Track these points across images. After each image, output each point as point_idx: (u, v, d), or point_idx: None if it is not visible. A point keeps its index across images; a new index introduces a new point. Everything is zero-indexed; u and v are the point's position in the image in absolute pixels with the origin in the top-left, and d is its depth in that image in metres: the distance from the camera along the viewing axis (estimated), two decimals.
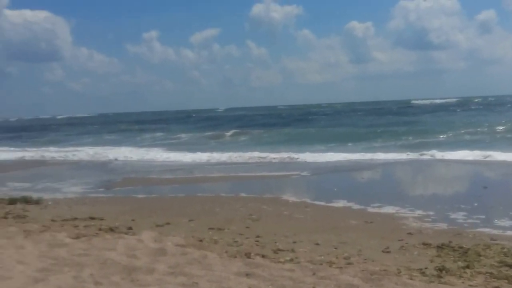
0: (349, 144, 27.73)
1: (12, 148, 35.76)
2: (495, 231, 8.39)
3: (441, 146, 24.00)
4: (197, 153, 26.52)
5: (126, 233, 8.39)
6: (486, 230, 8.50)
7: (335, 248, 7.43)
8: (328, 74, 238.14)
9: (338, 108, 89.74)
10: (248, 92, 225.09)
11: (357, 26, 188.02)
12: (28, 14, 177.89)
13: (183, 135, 40.88)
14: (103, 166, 22.37)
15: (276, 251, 7.25)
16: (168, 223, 9.44)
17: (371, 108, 78.32)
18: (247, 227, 9.08)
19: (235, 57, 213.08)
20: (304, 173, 17.22)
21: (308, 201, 11.83)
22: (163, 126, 57.08)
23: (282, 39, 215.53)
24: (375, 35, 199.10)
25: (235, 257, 6.80)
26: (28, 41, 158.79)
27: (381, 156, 21.65)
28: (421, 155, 21.03)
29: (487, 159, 18.92)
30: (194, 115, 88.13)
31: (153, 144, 35.57)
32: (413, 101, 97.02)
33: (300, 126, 46.12)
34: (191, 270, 5.99)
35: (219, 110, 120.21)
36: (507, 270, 6.09)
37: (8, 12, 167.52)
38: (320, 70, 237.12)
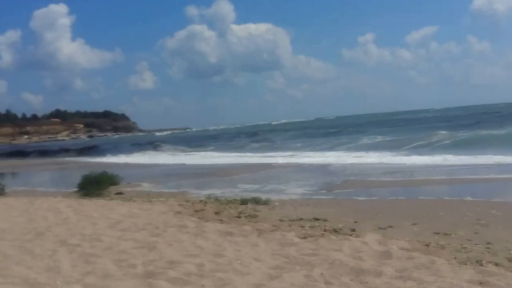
0: None
1: (236, 154, 38.79)
2: None
3: None
4: (414, 155, 26.03)
5: (350, 235, 8.56)
6: None
7: None
8: None
9: None
10: (468, 90, 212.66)
11: None
12: (252, 27, 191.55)
13: (398, 138, 39.91)
14: (323, 169, 23.05)
15: (511, 259, 6.80)
16: (390, 226, 9.41)
17: None
18: (475, 233, 8.64)
19: (454, 54, 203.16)
20: None
21: None
22: (377, 129, 56.55)
23: (506, 32, 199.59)
24: None
25: (465, 264, 6.53)
26: (252, 52, 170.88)
27: None
28: None
29: None
30: (408, 116, 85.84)
31: (369, 146, 35.52)
32: None
33: None
34: (420, 276, 5.91)
35: (434, 109, 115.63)
36: None
37: (234, 27, 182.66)
38: None
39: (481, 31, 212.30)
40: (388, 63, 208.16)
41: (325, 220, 10.15)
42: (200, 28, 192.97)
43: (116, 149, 58.59)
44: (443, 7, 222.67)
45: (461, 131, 39.31)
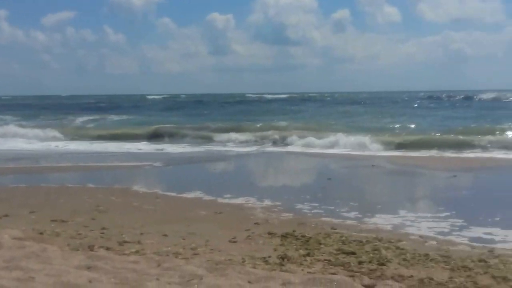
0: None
1: None
2: (336, 220, 8.83)
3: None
4: (45, 141, 25.45)
5: None
6: (328, 219, 8.93)
7: (183, 239, 7.39)
8: (187, 64, 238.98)
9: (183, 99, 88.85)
10: (103, 79, 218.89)
11: (218, 18, 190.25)
12: None
13: (29, 123, 38.23)
14: None
15: (122, 243, 7.08)
16: (6, 215, 8.85)
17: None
18: (93, 219, 8.74)
19: (90, 42, 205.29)
20: (157, 164, 17.01)
21: (159, 192, 11.68)
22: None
23: (141, 26, 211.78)
24: (235, 27, 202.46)
25: (78, 250, 6.54)
26: None
27: (232, 147, 22.77)
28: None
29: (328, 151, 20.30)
30: (38, 101, 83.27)
31: None
32: (248, 95, 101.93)
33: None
34: (28, 264, 5.62)
35: (64, 95, 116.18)
36: (344, 257, 6.44)
37: None
38: (179, 59, 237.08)
39: (117, 23, 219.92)
40: (22, 44, 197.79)
41: None
42: None
43: None
44: None
45: (94, 117, 40.62)
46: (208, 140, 26.18)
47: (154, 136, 27.55)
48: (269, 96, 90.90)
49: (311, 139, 23.47)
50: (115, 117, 43.29)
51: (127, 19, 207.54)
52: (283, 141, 24.12)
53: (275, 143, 24.10)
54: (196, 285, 5.00)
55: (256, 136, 25.91)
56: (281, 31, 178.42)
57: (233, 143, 24.74)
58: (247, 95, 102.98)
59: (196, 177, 15.03)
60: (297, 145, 23.10)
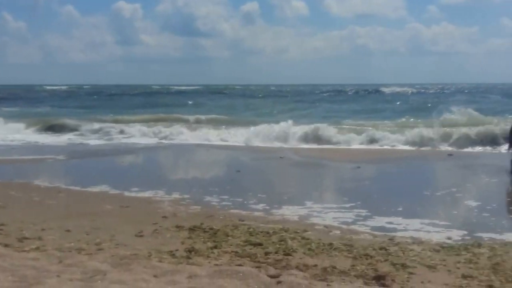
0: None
1: None
2: (244, 212, 8.89)
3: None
4: None
5: None
6: (236, 211, 8.98)
7: (87, 234, 7.17)
8: (93, 54, 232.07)
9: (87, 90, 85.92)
10: (2, 68, 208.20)
11: (125, 7, 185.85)
12: None
13: None
14: None
15: (22, 239, 6.78)
16: None
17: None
18: None
19: None
20: (60, 157, 16.42)
21: (62, 186, 11.29)
22: None
23: (43, 14, 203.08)
24: (143, 17, 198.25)
25: None
26: None
27: (138, 140, 22.82)
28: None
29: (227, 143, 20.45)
30: None
31: None
32: (154, 86, 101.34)
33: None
34: None
35: None
36: (251, 249, 6.49)
37: None
38: (84, 49, 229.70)
39: (16, 9, 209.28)
40: None
41: None
42: None
43: None
44: None
45: None
46: (106, 132, 25.37)
47: (51, 129, 26.48)
48: (175, 88, 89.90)
49: (213, 131, 23.59)
50: (9, 109, 40.79)
51: (27, 6, 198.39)
52: (181, 133, 23.89)
53: (176, 134, 23.76)
54: (99, 281, 4.86)
55: (157, 127, 25.43)
56: (190, 22, 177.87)
57: (138, 135, 24.29)
58: (153, 86, 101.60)
59: (102, 170, 14.65)
60: (201, 137, 22.92)
